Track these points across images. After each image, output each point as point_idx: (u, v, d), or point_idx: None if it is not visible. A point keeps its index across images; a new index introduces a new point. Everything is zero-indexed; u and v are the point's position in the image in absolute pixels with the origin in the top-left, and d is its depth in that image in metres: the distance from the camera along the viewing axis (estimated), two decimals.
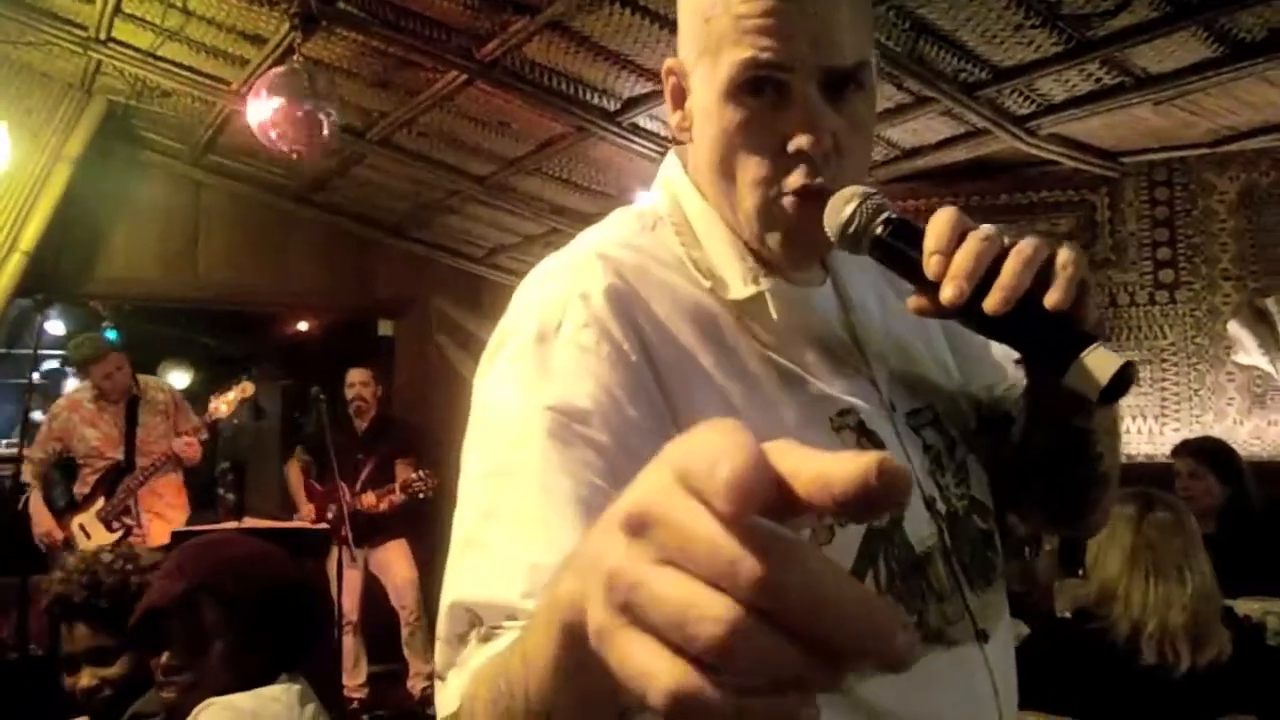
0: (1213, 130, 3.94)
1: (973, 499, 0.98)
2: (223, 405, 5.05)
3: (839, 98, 0.87)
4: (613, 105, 4.09)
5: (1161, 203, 4.44)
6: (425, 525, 5.37)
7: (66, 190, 4.84)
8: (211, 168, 5.64)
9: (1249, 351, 4.17)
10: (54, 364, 9.28)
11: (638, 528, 0.39)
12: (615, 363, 0.82)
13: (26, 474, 4.79)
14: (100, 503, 4.80)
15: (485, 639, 0.69)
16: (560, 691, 0.49)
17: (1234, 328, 4.21)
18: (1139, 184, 4.48)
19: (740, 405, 0.86)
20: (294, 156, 3.82)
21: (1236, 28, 3.08)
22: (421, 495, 5.28)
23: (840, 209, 0.85)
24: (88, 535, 4.67)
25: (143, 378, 5.15)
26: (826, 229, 0.86)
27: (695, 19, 0.90)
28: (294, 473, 5.73)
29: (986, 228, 0.79)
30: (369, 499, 5.34)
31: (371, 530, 5.32)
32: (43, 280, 4.98)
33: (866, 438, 0.90)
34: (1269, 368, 4.13)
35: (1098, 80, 3.46)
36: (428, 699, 4.80)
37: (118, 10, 3.95)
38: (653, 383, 0.84)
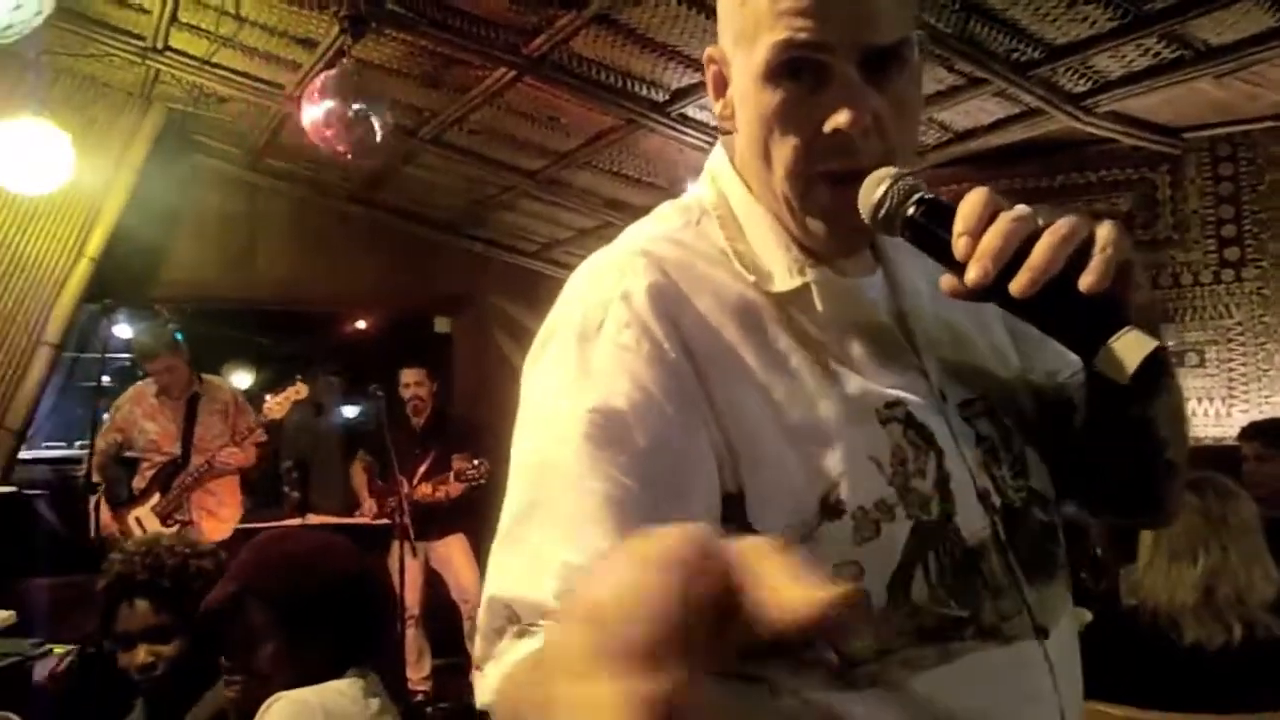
0: (1277, 103, 3.84)
1: (1031, 490, 0.95)
2: (275, 406, 5.10)
3: (881, 77, 0.84)
4: (661, 96, 4.08)
5: (1225, 178, 4.33)
6: (484, 519, 5.41)
7: (129, 197, 4.95)
8: (268, 171, 5.73)
9: None
10: (122, 366, 9.51)
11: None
12: (655, 360, 0.82)
13: (93, 470, 4.90)
14: (155, 498, 4.88)
15: (520, 635, 0.72)
16: None
17: None
18: (1201, 160, 4.37)
19: (782, 400, 0.85)
20: (347, 157, 3.87)
21: None
22: (476, 482, 5.32)
23: (873, 190, 0.83)
24: (144, 530, 4.72)
25: (206, 377, 5.24)
26: (860, 211, 0.85)
27: (732, 4, 0.89)
28: (357, 473, 5.85)
29: (1021, 208, 0.77)
30: (425, 489, 5.40)
31: (431, 524, 5.38)
32: (108, 286, 5.08)
33: (915, 430, 0.88)
34: None
35: (1156, 55, 3.38)
36: None
37: (174, 19, 4.02)
38: (693, 380, 0.83)
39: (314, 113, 3.72)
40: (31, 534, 5.55)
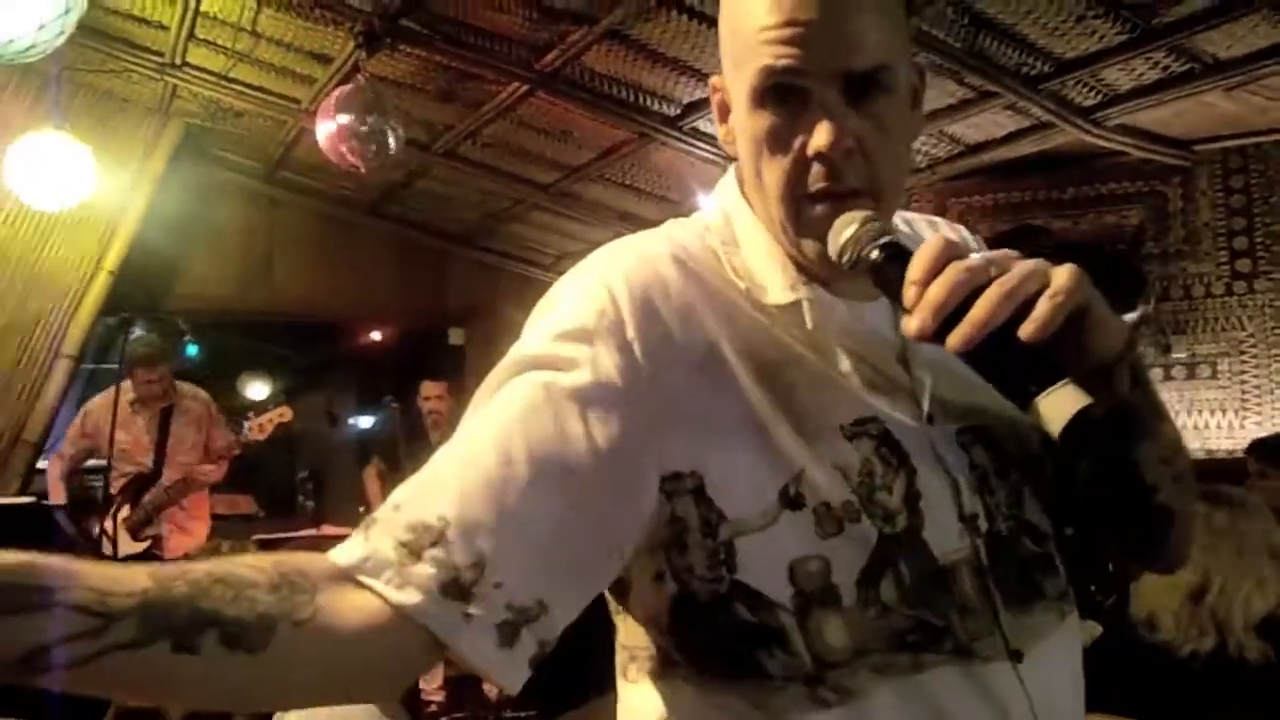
0: None
1: (1023, 521, 0.95)
2: (256, 428, 4.98)
3: (864, 101, 0.86)
4: (673, 110, 4.11)
5: (1237, 190, 4.33)
6: None
7: (147, 211, 5.01)
8: (284, 184, 5.79)
9: None
10: None
11: None
12: (621, 349, 0.86)
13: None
14: (125, 510, 4.78)
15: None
16: None
17: None
18: (1213, 172, 4.36)
19: (755, 403, 0.87)
20: (362, 171, 3.92)
21: None
22: None
23: (842, 231, 0.85)
24: (114, 543, 4.62)
25: (181, 385, 5.10)
26: (829, 250, 0.87)
27: (727, 33, 0.92)
28: (370, 480, 5.84)
29: (975, 258, 0.77)
30: None
31: None
32: (127, 298, 5.13)
33: (889, 448, 0.89)
34: None
35: (1165, 68, 3.39)
36: (505, 702, 4.87)
37: (191, 35, 4.08)
38: (654, 376, 0.86)
39: (329, 127, 3.77)
40: (50, 544, 5.56)
